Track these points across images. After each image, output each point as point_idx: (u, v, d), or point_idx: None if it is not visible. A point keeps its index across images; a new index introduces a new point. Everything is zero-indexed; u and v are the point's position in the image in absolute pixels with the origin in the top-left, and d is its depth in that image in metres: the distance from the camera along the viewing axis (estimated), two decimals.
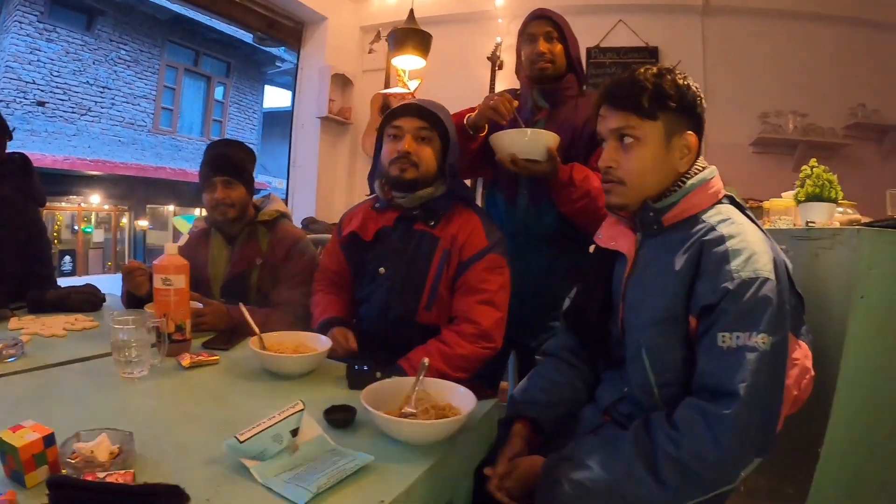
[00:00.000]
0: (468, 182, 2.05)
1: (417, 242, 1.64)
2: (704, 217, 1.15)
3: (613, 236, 1.29)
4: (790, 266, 1.15)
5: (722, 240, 1.07)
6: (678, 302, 1.10)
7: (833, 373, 1.42)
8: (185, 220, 11.82)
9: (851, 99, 3.93)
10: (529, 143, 1.68)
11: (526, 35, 1.93)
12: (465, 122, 1.82)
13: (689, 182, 1.17)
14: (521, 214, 1.92)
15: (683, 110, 1.17)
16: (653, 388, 1.14)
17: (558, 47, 1.89)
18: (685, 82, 1.17)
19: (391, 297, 1.65)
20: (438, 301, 1.61)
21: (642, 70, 1.18)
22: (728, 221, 1.12)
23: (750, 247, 1.06)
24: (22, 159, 2.22)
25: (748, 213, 1.19)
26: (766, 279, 1.03)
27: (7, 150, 2.17)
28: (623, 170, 1.18)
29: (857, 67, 4.01)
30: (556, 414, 1.31)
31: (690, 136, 1.17)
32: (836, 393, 1.42)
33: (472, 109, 1.85)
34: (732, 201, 1.21)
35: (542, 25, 1.89)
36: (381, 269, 1.67)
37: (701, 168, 1.20)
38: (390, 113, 1.65)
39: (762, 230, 1.15)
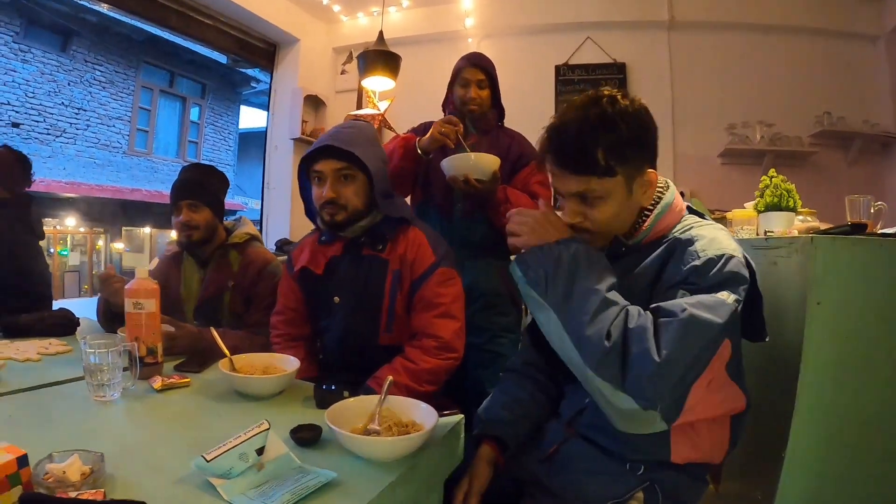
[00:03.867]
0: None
1: (368, 267, 1.66)
2: (673, 233, 1.15)
3: None
4: (754, 266, 1.12)
5: (691, 237, 1.09)
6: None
7: (793, 377, 1.43)
8: None
9: (817, 107, 4.00)
10: (480, 165, 1.92)
11: (461, 79, 2.20)
12: (416, 146, 2.03)
13: (655, 212, 1.17)
14: (456, 227, 2.14)
15: (639, 151, 1.12)
16: None
17: (486, 92, 2.20)
18: (634, 109, 1.11)
19: (349, 325, 1.67)
20: (397, 322, 1.63)
21: (588, 123, 1.09)
22: (697, 225, 1.15)
23: (718, 237, 1.08)
24: (28, 196, 2.74)
25: (711, 220, 1.22)
26: (732, 255, 1.04)
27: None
28: (590, 221, 1.14)
29: (821, 76, 4.09)
30: (520, 430, 1.31)
31: (651, 173, 1.14)
32: (797, 397, 1.43)
33: (409, 135, 2.12)
34: (692, 211, 1.24)
35: (475, 73, 2.18)
36: (336, 299, 1.69)
37: (661, 189, 1.19)
38: (309, 156, 1.62)
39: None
